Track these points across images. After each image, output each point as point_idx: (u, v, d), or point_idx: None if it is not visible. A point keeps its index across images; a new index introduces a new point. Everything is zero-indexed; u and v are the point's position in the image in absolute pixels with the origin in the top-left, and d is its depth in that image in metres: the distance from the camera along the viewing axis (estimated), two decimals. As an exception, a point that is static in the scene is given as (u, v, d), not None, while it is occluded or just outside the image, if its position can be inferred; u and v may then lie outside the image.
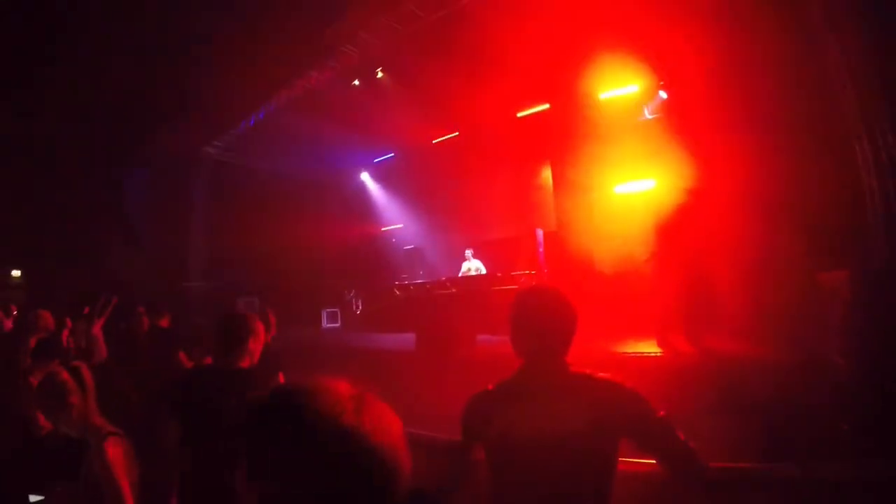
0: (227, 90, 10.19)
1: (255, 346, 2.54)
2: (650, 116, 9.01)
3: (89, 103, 10.37)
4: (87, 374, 2.33)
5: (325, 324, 12.73)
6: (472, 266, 10.28)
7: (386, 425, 0.80)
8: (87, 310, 6.94)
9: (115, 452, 2.13)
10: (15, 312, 6.92)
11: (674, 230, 5.82)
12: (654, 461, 1.67)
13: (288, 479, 0.73)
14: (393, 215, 14.14)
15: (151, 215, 12.77)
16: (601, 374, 1.70)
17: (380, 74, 10.42)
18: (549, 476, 1.63)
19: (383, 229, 14.35)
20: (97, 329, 3.83)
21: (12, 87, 9.78)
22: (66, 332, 4.01)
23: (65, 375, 2.27)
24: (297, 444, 0.74)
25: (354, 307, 12.71)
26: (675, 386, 3.99)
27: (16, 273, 13.67)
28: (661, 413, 1.64)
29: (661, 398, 1.70)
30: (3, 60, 9.04)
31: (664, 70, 8.19)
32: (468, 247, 10.51)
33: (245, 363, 2.49)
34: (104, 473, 2.06)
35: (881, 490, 2.44)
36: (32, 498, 2.33)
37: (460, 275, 10.28)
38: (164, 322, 5.33)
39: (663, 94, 8.74)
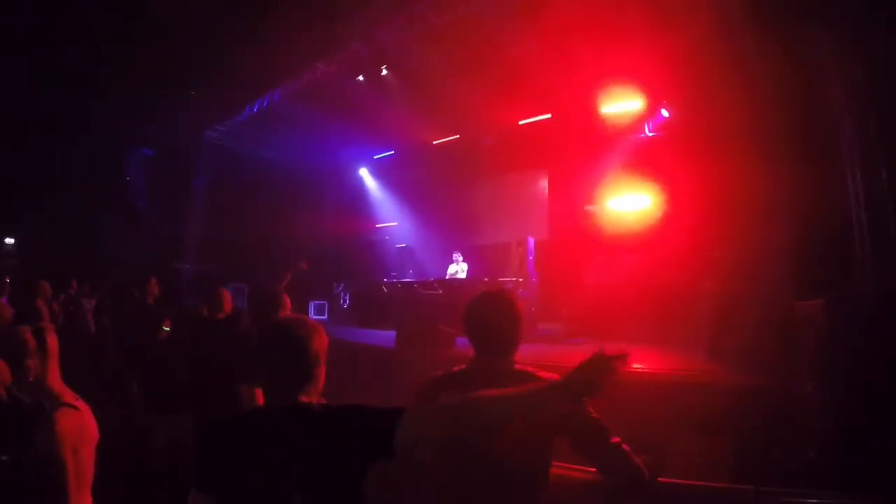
0: (233, 75, 10.18)
1: None
2: (651, 134, 9.01)
3: (95, 77, 10.37)
4: (51, 339, 2.18)
5: (312, 315, 12.65)
6: (460, 269, 10.27)
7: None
8: (73, 285, 6.93)
9: (66, 425, 1.99)
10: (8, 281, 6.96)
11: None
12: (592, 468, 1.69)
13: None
14: (388, 213, 14.05)
15: (151, 194, 12.84)
16: (541, 372, 1.76)
17: (384, 72, 10.39)
18: (481, 463, 1.67)
19: (378, 226, 14.28)
20: (88, 304, 3.95)
21: (18, 57, 9.78)
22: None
23: (26, 335, 2.12)
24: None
25: (342, 301, 12.71)
26: (648, 401, 3.98)
27: (9, 241, 13.63)
28: (596, 415, 1.68)
29: (634, 412, 1.71)
30: (9, 34, 9.04)
31: (667, 88, 8.18)
32: (458, 250, 10.51)
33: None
34: (48, 446, 1.93)
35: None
36: None
37: (447, 277, 10.26)
38: (151, 299, 5.54)
39: (665, 113, 8.73)
